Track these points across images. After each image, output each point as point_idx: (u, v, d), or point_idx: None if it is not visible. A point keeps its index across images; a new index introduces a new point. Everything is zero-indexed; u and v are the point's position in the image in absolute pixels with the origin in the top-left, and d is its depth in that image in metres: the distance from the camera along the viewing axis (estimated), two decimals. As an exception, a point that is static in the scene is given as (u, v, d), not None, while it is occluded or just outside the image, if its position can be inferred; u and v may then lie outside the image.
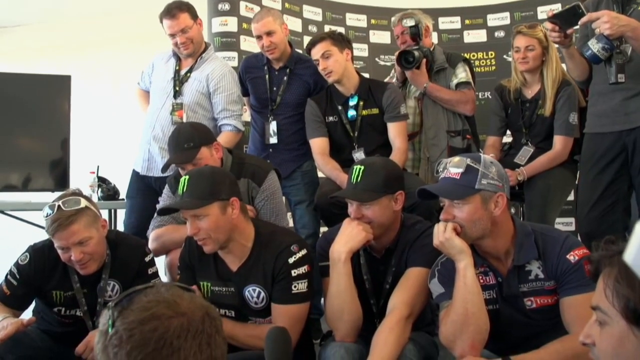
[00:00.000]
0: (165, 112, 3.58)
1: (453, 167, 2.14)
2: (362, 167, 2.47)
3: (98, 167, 4.23)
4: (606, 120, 2.89)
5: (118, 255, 2.66)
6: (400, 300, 2.34)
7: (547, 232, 2.19)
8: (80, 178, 4.29)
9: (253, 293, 2.45)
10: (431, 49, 3.73)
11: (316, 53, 3.43)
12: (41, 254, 2.61)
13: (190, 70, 3.64)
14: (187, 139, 2.89)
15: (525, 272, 2.15)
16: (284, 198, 3.86)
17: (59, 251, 2.49)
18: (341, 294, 2.38)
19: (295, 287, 2.38)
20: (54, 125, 4.35)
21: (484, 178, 2.10)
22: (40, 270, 2.59)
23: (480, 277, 2.18)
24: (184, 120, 3.51)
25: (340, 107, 3.49)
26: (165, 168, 3.05)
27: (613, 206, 2.89)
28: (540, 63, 3.41)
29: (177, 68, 3.67)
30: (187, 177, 2.42)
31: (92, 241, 2.48)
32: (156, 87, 3.72)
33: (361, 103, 3.47)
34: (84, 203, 2.49)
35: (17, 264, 2.61)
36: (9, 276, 2.61)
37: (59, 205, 2.43)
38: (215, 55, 3.82)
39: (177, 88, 3.60)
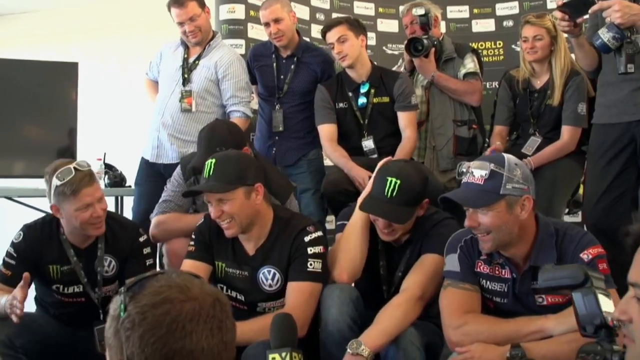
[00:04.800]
0: (174, 99, 3.61)
1: (476, 172, 2.09)
2: (399, 182, 2.41)
3: (105, 154, 4.23)
4: (615, 111, 2.88)
5: (112, 231, 2.73)
6: (412, 282, 2.37)
7: (567, 231, 2.15)
8: (87, 165, 4.30)
9: (268, 275, 2.49)
10: (440, 39, 3.72)
11: (332, 37, 3.43)
12: (34, 229, 2.70)
13: (198, 58, 3.67)
14: (220, 142, 2.83)
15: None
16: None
17: (77, 213, 2.54)
18: (355, 227, 2.50)
19: (311, 265, 2.42)
20: (61, 112, 4.36)
21: (509, 183, 2.06)
22: (36, 244, 2.67)
23: (497, 268, 2.19)
24: (193, 107, 3.56)
25: (350, 94, 3.49)
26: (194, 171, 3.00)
27: (621, 197, 2.87)
28: (549, 53, 3.38)
29: (186, 56, 3.69)
30: (213, 160, 2.43)
31: (104, 199, 2.63)
32: (165, 75, 3.74)
33: (372, 91, 3.47)
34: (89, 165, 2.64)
35: (12, 244, 2.68)
36: (6, 258, 2.67)
37: (75, 167, 2.53)
38: (223, 43, 3.85)
39: (186, 75, 3.63)
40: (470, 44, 4.10)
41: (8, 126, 4.21)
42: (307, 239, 2.44)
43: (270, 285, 2.49)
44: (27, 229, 2.71)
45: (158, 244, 3.07)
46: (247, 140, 3.14)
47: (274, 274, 2.48)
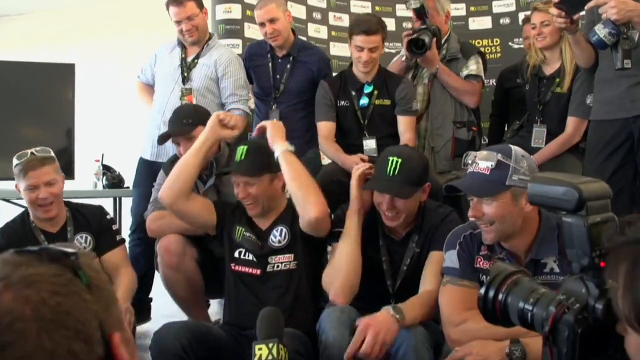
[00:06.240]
0: (175, 98, 3.62)
1: (482, 162, 2.07)
2: (400, 160, 2.47)
3: (103, 155, 4.23)
4: (612, 107, 2.86)
5: (79, 212, 2.96)
6: (431, 282, 2.39)
7: None
8: (85, 166, 4.31)
9: (276, 233, 2.68)
10: (447, 36, 3.67)
11: (367, 42, 3.34)
12: (8, 226, 2.90)
13: (197, 57, 3.69)
14: (187, 116, 3.09)
15: (540, 265, 2.13)
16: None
17: (26, 192, 2.77)
18: (347, 245, 2.53)
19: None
20: (58, 114, 4.36)
21: (515, 174, 2.04)
22: (14, 238, 2.80)
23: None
24: None
25: (353, 93, 3.48)
26: (160, 139, 3.20)
27: (618, 194, 2.85)
28: (558, 39, 3.36)
29: (184, 55, 3.71)
30: (245, 147, 2.66)
31: (57, 185, 2.82)
32: (162, 74, 3.75)
33: (376, 92, 3.46)
34: (52, 153, 2.85)
35: None
36: None
37: (31, 152, 2.76)
38: (220, 43, 3.88)
39: (186, 74, 3.65)
40: (476, 46, 4.06)
41: (6, 128, 4.20)
42: None
43: (279, 241, 2.68)
44: (2, 229, 2.90)
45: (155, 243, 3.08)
46: None
47: (282, 230, 2.68)
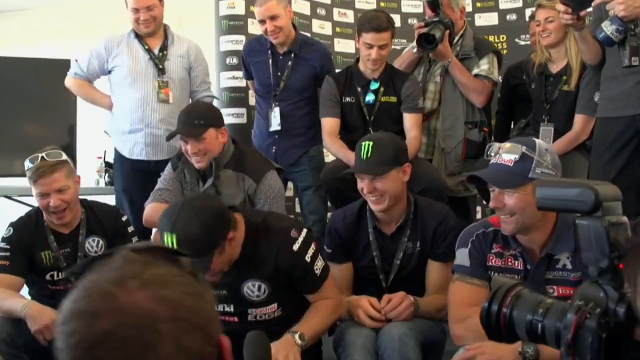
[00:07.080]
0: (155, 94, 3.57)
1: (506, 154, 2.09)
2: (371, 143, 2.57)
3: (105, 152, 4.22)
4: (619, 104, 2.84)
5: (94, 213, 2.91)
6: (439, 293, 2.49)
7: None
8: (87, 163, 4.29)
9: (253, 287, 2.36)
10: (462, 31, 3.64)
11: (376, 40, 3.31)
12: (21, 222, 2.84)
13: (164, 48, 3.64)
14: (199, 116, 2.98)
15: (554, 261, 2.14)
16: (290, 184, 3.85)
17: (38, 199, 2.72)
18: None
19: (316, 268, 2.38)
20: (60, 110, 4.36)
21: (538, 167, 2.06)
22: (25, 234, 2.79)
23: (509, 260, 2.19)
24: (170, 97, 3.56)
25: (359, 89, 3.45)
26: (170, 137, 3.08)
27: (625, 191, 2.76)
28: (563, 35, 3.33)
29: (147, 47, 3.63)
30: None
31: (69, 190, 2.73)
32: (128, 70, 3.61)
33: (382, 89, 3.43)
34: (64, 156, 2.77)
35: (3, 239, 2.78)
36: (0, 253, 2.73)
37: (42, 156, 2.70)
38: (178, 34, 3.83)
39: (160, 66, 3.59)
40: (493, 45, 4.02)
41: (7, 124, 4.20)
42: (296, 247, 2.32)
43: (257, 296, 2.37)
44: (15, 224, 2.83)
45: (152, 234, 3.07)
46: (224, 123, 3.13)
47: (260, 286, 2.35)
